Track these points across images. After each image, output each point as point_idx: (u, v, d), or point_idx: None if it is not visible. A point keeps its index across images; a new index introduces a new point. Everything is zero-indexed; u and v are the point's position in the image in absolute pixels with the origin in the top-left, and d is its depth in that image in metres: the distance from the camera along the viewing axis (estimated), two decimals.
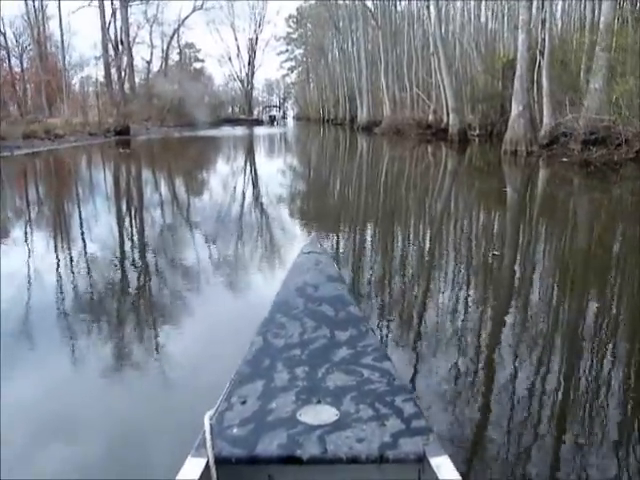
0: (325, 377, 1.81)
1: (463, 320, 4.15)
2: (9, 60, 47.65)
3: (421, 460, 1.49)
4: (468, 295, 4.87)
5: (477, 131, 27.05)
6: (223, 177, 15.37)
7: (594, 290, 5.12)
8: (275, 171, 16.36)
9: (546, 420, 2.75)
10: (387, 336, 3.81)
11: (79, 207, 10.73)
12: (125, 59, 46.31)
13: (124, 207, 10.74)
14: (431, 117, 30.32)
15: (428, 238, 7.61)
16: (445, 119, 28.50)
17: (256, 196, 11.55)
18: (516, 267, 6.01)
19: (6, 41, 46.88)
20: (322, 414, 1.63)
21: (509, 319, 4.18)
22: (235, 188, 13.03)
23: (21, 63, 49.68)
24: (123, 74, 45.26)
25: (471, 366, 3.35)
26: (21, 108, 43.67)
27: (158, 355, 3.57)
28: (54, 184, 14.87)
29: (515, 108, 17.00)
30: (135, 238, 7.68)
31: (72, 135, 28.67)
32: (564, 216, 9.11)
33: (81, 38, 78.61)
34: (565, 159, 14.92)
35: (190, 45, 64.97)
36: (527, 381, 3.15)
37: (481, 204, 10.56)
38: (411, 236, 7.76)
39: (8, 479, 2.21)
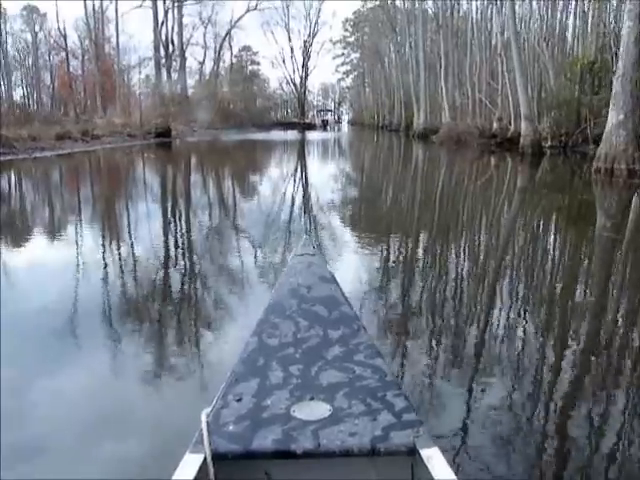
0: (318, 374, 1.78)
1: None
2: (67, 61, 46.86)
3: (412, 452, 1.48)
4: None
5: (549, 142, 23.08)
6: (263, 199, 11.54)
7: None
8: (325, 185, 13.48)
9: None
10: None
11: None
12: (179, 60, 44.55)
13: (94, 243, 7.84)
14: (495, 125, 26.43)
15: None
16: (512, 127, 24.68)
17: (307, 222, 8.70)
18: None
19: (66, 43, 46.09)
20: (315, 410, 1.60)
21: None
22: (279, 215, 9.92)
23: (82, 65, 48.85)
24: (174, 75, 43.40)
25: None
26: (76, 109, 42.70)
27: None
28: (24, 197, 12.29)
29: (613, 116, 13.19)
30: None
31: (110, 136, 26.50)
32: None
33: (140, 40, 77.31)
34: None
35: (247, 48, 62.99)
36: None
37: (573, 244, 7.13)
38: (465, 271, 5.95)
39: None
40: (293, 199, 11.60)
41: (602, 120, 22.01)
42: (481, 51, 31.72)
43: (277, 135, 41.77)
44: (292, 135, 43.34)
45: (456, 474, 1.37)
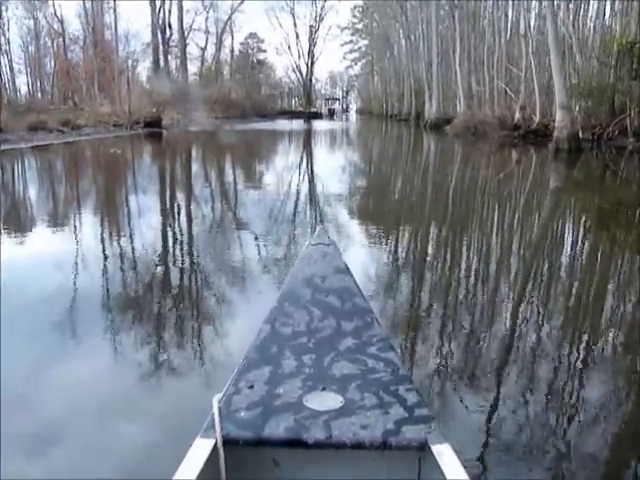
0: (331, 365, 1.72)
1: None
2: (65, 47, 44.08)
3: (423, 447, 1.43)
4: None
5: (580, 135, 19.78)
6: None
7: None
8: (333, 181, 11.53)
9: None
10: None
11: None
12: (179, 45, 41.47)
13: None
14: (518, 115, 23.10)
15: None
16: (537, 117, 21.43)
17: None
18: None
19: (62, 28, 43.27)
20: (327, 400, 1.55)
21: None
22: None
23: (84, 53, 46.00)
24: (175, 61, 40.37)
25: None
26: (74, 96, 40.11)
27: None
28: None
29: None
30: None
31: (94, 126, 23.54)
32: None
33: (138, 29, 72.87)
34: None
35: (253, 35, 59.62)
36: None
37: None
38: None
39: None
40: (298, 196, 8.65)
41: None
42: (499, 33, 28.23)
43: (282, 125, 38.66)
44: (297, 125, 40.22)
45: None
